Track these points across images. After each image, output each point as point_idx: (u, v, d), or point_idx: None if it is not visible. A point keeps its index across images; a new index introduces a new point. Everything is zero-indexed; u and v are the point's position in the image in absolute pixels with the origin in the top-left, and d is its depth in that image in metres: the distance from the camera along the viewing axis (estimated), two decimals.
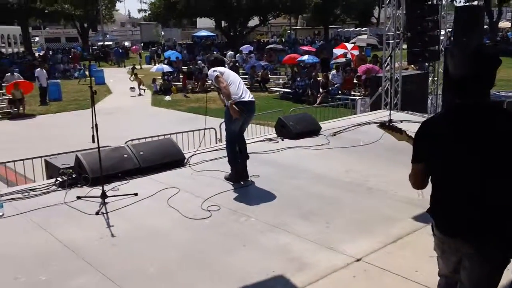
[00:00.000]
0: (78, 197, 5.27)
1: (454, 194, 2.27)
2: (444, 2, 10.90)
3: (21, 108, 17.93)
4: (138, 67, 34.37)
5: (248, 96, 5.79)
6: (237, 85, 5.73)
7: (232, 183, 5.86)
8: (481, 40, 8.12)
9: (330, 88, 19.28)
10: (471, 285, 2.31)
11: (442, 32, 10.77)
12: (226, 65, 7.04)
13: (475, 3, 45.61)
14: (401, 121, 8.63)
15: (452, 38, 10.18)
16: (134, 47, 37.59)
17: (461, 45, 2.14)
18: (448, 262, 2.41)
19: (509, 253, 2.22)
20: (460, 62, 2.22)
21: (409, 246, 4.14)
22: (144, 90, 23.19)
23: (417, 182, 2.42)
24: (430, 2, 10.13)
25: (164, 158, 6.42)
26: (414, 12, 9.90)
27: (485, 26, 47.04)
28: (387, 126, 2.78)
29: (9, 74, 21.13)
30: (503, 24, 58.64)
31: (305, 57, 24.24)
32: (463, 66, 2.21)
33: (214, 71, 5.74)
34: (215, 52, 31.99)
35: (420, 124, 2.39)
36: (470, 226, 2.22)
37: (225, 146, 6.16)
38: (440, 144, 2.25)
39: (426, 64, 12.00)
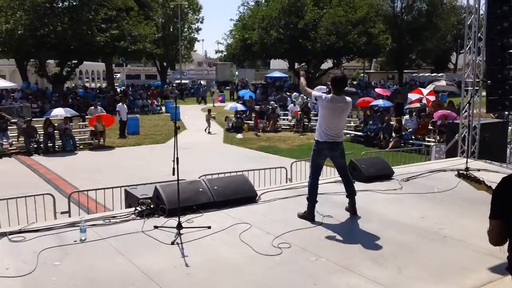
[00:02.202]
0: (155, 227, 5.53)
1: None
2: None
3: (102, 140, 19.06)
4: (211, 105, 35.68)
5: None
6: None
7: (306, 220, 5.93)
8: None
9: (403, 133, 18.95)
10: None
11: None
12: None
13: None
14: (479, 170, 8.34)
15: None
16: (219, 98, 39.44)
17: None
18: None
19: None
20: None
21: None
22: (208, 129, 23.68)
23: (495, 238, 2.42)
24: (511, 51, 9.86)
25: (237, 193, 6.60)
26: (495, 60, 9.67)
27: None
28: (466, 176, 2.78)
29: (92, 107, 22.64)
30: None
31: (380, 101, 24.06)
32: None
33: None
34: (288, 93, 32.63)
35: (500, 179, 2.38)
36: None
37: (305, 184, 6.32)
38: None
39: (506, 112, 11.56)
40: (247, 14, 44.30)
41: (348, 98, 6.01)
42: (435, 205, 6.69)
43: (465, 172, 2.82)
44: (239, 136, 21.49)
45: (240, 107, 25.69)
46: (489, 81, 9.72)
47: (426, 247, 5.18)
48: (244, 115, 24.93)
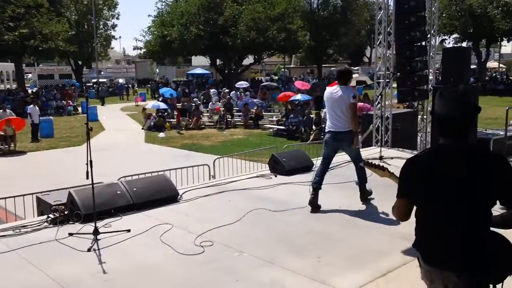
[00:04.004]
0: (70, 234, 5.25)
1: (441, 228, 2.40)
2: (432, 43, 11.22)
3: (12, 145, 17.92)
4: (134, 104, 34.71)
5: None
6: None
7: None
8: (468, 80, 8.35)
9: (323, 126, 19.48)
10: None
11: (431, 72, 11.06)
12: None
13: (464, 44, 46.91)
14: (392, 158, 8.72)
15: (440, 78, 10.43)
16: (140, 98, 38.33)
17: (450, 87, 2.28)
18: None
19: (492, 281, 2.37)
20: (449, 103, 2.39)
21: (398, 280, 4.17)
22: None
23: (401, 215, 2.57)
24: (419, 44, 10.43)
25: (158, 194, 6.44)
26: (403, 53, 10.18)
27: (474, 66, 48.31)
28: (371, 164, 2.95)
29: (1, 110, 21.19)
30: (491, 64, 60.04)
31: (299, 96, 24.59)
32: (452, 107, 2.38)
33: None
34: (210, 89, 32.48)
35: (405, 162, 2.50)
36: (456, 257, 2.36)
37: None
38: (426, 181, 2.39)
39: (415, 103, 12.23)
40: (165, 10, 43.54)
41: (346, 89, 6.24)
42: (352, 194, 6.90)
43: (369, 161, 3.00)
44: (161, 135, 21.08)
45: (161, 105, 25.23)
46: (398, 73, 10.21)
47: (345, 235, 5.35)
48: (166, 113, 24.51)
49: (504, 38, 48.98)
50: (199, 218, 5.91)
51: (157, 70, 60.73)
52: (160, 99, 29.25)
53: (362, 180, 6.54)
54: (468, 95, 2.42)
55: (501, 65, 61.35)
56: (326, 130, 6.61)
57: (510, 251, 2.37)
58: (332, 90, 6.34)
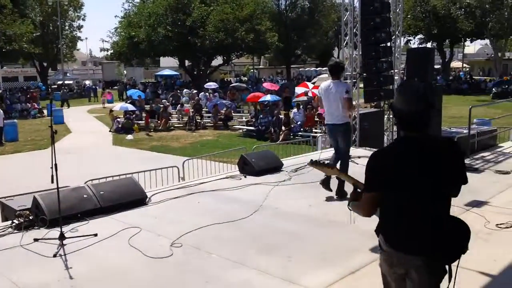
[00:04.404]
0: (35, 239, 5.13)
1: (405, 214, 2.51)
2: (398, 43, 11.44)
3: None
4: (101, 106, 34.11)
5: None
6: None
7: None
8: (431, 80, 8.55)
9: (292, 126, 19.63)
10: None
11: (396, 72, 11.27)
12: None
13: (429, 44, 48.04)
14: (359, 157, 8.86)
15: (405, 77, 10.64)
16: (109, 94, 37.55)
17: (409, 83, 2.37)
18: (395, 275, 2.60)
19: (448, 261, 2.52)
20: (409, 98, 2.49)
21: (367, 277, 4.23)
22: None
23: (367, 210, 2.63)
24: (384, 45, 10.61)
25: (125, 197, 6.35)
26: (369, 54, 10.33)
27: (438, 66, 49.49)
28: (317, 163, 3.02)
29: None
30: (455, 64, 61.66)
31: (268, 97, 24.70)
32: (409, 103, 2.48)
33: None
34: (179, 91, 32.25)
35: (370, 156, 2.59)
36: (419, 241, 2.47)
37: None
38: (391, 172, 2.48)
39: (381, 102, 12.43)
40: (132, 11, 42.96)
41: (340, 84, 6.66)
42: (322, 193, 6.96)
43: (316, 160, 3.09)
44: (129, 137, 20.82)
45: (129, 107, 24.93)
46: (365, 74, 10.37)
47: (315, 234, 5.40)
48: (134, 115, 24.22)
49: (467, 39, 50.41)
50: (168, 221, 5.86)
51: (125, 71, 59.95)
52: (128, 101, 28.87)
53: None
54: (425, 92, 2.50)
55: (464, 64, 63.07)
56: (325, 123, 7.59)
57: (465, 233, 2.54)
58: (327, 86, 6.73)
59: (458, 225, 2.56)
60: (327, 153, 9.90)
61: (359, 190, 2.76)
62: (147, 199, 6.61)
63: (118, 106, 26.43)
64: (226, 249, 4.94)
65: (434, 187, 2.46)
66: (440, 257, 2.49)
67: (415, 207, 2.48)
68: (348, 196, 6.43)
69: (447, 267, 2.53)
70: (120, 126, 22.67)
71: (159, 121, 23.47)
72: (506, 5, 35.93)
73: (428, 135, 2.52)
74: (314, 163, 3.04)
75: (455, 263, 2.55)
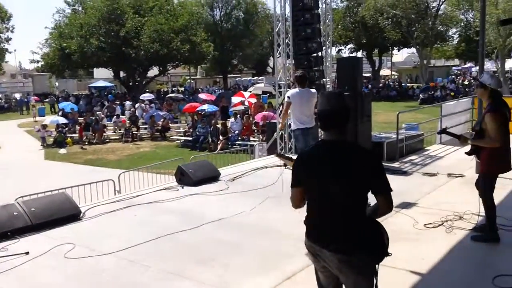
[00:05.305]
0: None
1: (320, 210, 2.80)
2: (329, 53, 11.85)
3: None
4: (32, 119, 32.75)
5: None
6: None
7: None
8: (360, 87, 8.93)
9: (230, 135, 19.75)
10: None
11: (328, 80, 11.68)
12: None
13: (359, 53, 49.96)
14: None
15: (336, 86, 11.05)
16: (34, 97, 36.16)
17: (329, 90, 2.68)
18: (319, 266, 2.90)
19: (373, 260, 2.75)
20: (327, 100, 2.83)
21: (302, 282, 4.36)
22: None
23: (296, 202, 2.95)
24: (316, 54, 10.97)
25: (58, 213, 6.17)
26: (301, 63, 10.64)
27: (369, 75, 51.49)
28: (281, 155, 3.38)
29: None
30: (384, 72, 64.43)
31: (205, 106, 24.71)
32: (329, 104, 2.81)
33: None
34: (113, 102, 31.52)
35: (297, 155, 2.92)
36: (333, 236, 2.73)
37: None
38: (311, 170, 2.77)
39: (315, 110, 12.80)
40: (63, 22, 41.64)
41: (313, 90, 7.77)
42: (258, 201, 7.09)
43: (281, 152, 3.60)
44: (62, 151, 20.13)
45: (61, 120, 24.10)
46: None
47: (251, 242, 5.47)
48: (66, 128, 23.44)
49: (394, 47, 52.84)
50: (103, 235, 5.76)
51: (57, 83, 57.86)
52: (59, 114, 27.91)
53: None
54: (341, 94, 2.89)
55: (393, 72, 65.99)
56: (294, 128, 7.82)
57: (381, 236, 2.75)
58: (300, 93, 7.55)
59: (374, 227, 2.78)
60: (265, 161, 10.10)
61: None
62: (81, 214, 6.45)
63: (48, 119, 25.48)
64: (163, 262, 4.92)
65: (343, 189, 2.70)
66: (360, 252, 2.68)
67: (326, 205, 2.75)
68: None
69: (377, 266, 2.76)
70: (45, 137, 21.83)
71: (93, 134, 22.85)
72: (430, 15, 38.05)
73: (346, 141, 2.78)
74: (279, 155, 3.43)
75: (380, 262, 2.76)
